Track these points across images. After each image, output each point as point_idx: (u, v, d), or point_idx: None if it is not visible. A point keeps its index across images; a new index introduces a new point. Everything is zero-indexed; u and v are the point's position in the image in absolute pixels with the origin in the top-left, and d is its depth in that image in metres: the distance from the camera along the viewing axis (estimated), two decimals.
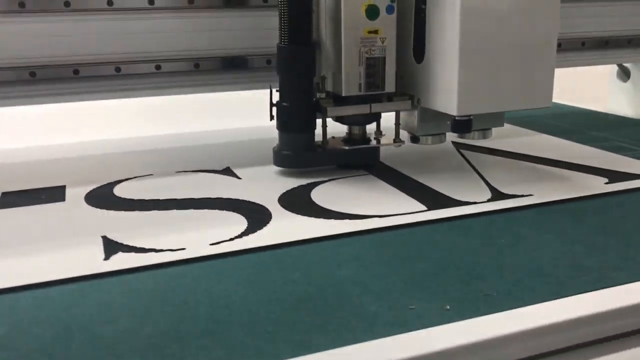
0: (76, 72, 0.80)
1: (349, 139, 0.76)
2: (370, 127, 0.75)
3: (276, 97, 0.72)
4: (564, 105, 1.21)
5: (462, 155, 0.81)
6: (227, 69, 0.84)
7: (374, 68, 0.68)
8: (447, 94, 0.66)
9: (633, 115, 1.10)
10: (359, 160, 0.75)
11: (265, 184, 0.70)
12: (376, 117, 0.73)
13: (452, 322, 0.40)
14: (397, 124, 0.74)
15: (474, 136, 0.75)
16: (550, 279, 0.46)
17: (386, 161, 0.77)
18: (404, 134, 0.75)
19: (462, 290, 0.45)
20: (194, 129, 1.00)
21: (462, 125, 0.71)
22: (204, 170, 0.75)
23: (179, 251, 0.52)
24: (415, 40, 0.70)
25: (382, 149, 0.76)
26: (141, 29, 0.80)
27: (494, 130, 0.76)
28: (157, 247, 0.52)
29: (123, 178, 0.73)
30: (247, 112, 0.96)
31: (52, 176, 0.74)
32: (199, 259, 0.51)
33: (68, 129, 1.00)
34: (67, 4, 0.77)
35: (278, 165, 0.74)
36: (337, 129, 0.75)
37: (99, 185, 0.70)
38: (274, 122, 0.72)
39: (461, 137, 0.77)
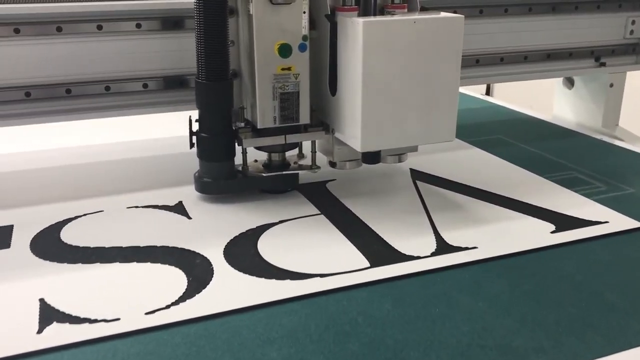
0: (28, 94, 0.79)
1: (269, 164, 0.79)
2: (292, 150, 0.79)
3: (196, 126, 0.74)
4: (510, 110, 1.24)
5: (416, 188, 0.81)
6: (174, 88, 0.84)
7: (288, 102, 0.71)
8: (353, 129, 0.68)
9: (574, 120, 1.15)
10: (278, 186, 0.79)
11: (214, 226, 0.70)
12: (294, 144, 0.77)
13: None
14: (314, 151, 0.78)
15: (393, 160, 0.78)
16: None
17: (341, 196, 0.78)
18: (323, 159, 0.79)
19: None
20: (145, 137, 1.01)
21: (371, 156, 0.76)
22: (155, 207, 0.75)
23: (113, 322, 0.52)
24: (330, 73, 0.71)
25: (342, 173, 0.81)
26: (90, 53, 0.79)
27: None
28: (92, 317, 0.53)
29: (73, 216, 0.72)
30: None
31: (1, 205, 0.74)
32: (132, 332, 0.51)
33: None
34: (16, 31, 0.76)
35: (199, 192, 0.77)
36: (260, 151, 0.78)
37: (47, 225, 0.70)
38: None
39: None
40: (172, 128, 1.02)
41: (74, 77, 0.80)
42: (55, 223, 0.70)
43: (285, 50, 0.68)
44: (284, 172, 0.78)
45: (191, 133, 0.73)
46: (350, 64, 0.66)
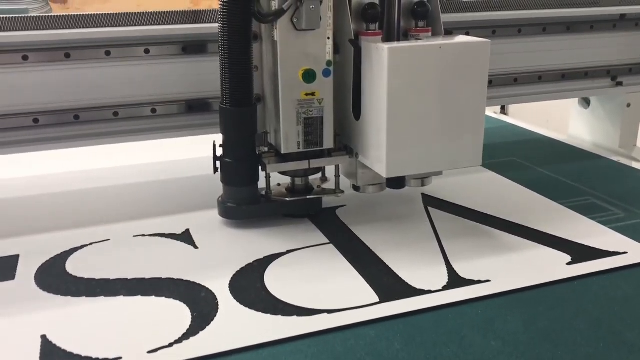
0: (36, 120, 0.79)
1: (292, 188, 0.78)
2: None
3: (220, 151, 0.73)
4: (525, 130, 1.22)
5: (428, 215, 0.79)
6: (183, 113, 0.83)
7: (312, 127, 0.70)
8: (378, 154, 0.67)
9: (590, 140, 1.13)
10: (301, 211, 0.78)
11: (221, 256, 0.69)
12: (318, 169, 0.76)
13: None
14: (337, 175, 0.77)
15: (417, 184, 0.77)
16: None
17: (350, 223, 0.76)
18: (347, 183, 0.77)
19: None
20: (152, 160, 1.01)
21: (395, 181, 0.75)
22: (162, 235, 0.74)
23: None
24: (354, 97, 0.70)
25: (352, 200, 0.80)
26: (98, 78, 0.79)
27: None
28: (94, 355, 0.52)
29: (79, 245, 0.71)
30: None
31: (7, 233, 0.74)
32: None
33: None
34: (25, 58, 0.76)
35: (223, 217, 0.76)
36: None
37: (53, 255, 0.69)
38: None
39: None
40: (180, 152, 1.02)
41: (82, 103, 0.80)
42: (61, 253, 0.70)
43: (309, 76, 0.68)
44: (308, 197, 0.77)
45: (215, 158, 0.73)
46: (375, 89, 0.65)
